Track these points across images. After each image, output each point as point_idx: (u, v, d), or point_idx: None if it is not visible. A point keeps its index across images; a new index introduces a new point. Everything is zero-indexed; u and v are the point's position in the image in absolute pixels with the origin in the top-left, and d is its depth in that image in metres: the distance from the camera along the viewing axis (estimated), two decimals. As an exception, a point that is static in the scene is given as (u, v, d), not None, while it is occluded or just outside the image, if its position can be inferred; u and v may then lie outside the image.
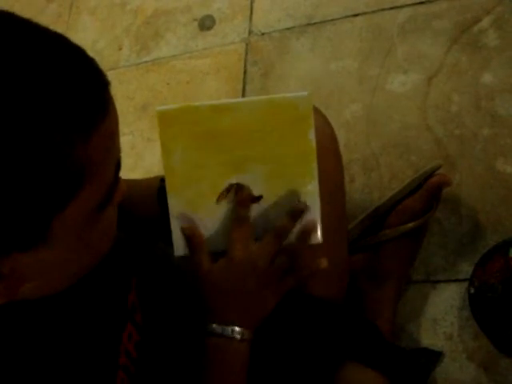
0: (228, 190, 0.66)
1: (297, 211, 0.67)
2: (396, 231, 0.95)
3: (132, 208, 0.73)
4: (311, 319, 0.80)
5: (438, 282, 0.96)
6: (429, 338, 0.92)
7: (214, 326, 0.65)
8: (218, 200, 0.66)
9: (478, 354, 0.89)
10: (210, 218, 0.67)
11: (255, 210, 0.67)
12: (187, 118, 0.64)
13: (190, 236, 0.67)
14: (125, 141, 1.33)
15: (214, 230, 0.67)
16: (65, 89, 0.43)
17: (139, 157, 1.33)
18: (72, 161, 0.42)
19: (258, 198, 0.67)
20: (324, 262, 0.67)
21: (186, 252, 0.68)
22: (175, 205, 0.66)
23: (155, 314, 0.70)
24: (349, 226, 0.98)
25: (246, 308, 0.66)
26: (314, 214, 0.67)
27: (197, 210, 0.67)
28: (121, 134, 0.50)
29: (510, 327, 0.84)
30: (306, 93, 0.65)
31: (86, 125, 0.43)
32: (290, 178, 0.66)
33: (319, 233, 0.68)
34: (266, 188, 0.67)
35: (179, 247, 0.68)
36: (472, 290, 0.89)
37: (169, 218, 0.67)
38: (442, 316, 0.93)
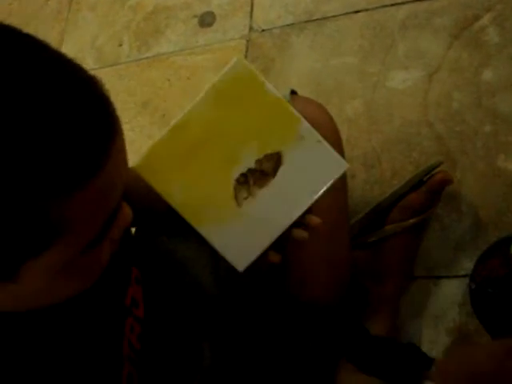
0: (240, 182, 0.63)
1: None
2: (397, 227, 0.95)
3: (137, 200, 0.72)
4: (304, 324, 0.80)
5: (439, 277, 0.96)
6: (431, 334, 0.92)
7: None
8: (238, 202, 0.63)
9: (479, 350, 0.89)
10: (239, 223, 0.63)
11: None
12: (162, 153, 0.64)
13: None
14: (125, 136, 1.31)
15: (249, 232, 0.63)
16: (50, 147, 0.39)
17: (139, 152, 1.32)
18: (46, 217, 0.40)
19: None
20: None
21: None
22: (207, 231, 0.63)
23: (158, 307, 0.70)
24: (350, 222, 0.98)
25: None
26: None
27: (224, 221, 0.63)
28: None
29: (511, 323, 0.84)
30: (235, 58, 0.63)
31: (67, 187, 0.40)
32: (277, 139, 0.63)
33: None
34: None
35: (238, 261, 0.63)
36: (473, 286, 0.89)
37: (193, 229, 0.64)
38: (443, 312, 0.93)
